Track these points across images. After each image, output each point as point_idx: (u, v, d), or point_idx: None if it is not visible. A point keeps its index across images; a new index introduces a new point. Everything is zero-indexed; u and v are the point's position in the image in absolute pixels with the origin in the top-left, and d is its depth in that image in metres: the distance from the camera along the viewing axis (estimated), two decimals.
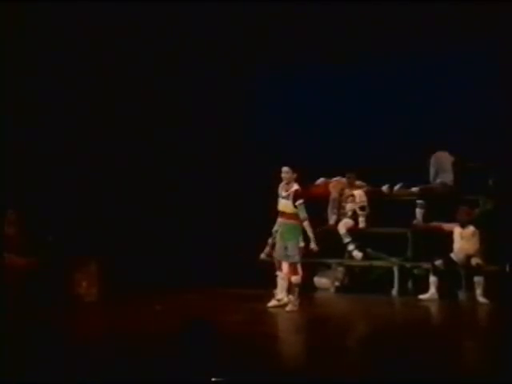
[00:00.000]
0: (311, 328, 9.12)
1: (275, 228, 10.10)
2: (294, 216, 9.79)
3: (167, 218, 12.79)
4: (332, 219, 12.75)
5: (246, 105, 13.34)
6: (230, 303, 10.49)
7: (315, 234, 10.00)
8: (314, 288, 12.57)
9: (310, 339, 8.29)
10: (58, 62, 12.14)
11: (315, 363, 6.58)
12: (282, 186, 9.94)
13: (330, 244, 12.42)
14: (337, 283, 12.46)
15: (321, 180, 13.05)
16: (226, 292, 11.43)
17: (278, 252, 9.93)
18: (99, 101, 12.59)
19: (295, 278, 9.80)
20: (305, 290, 11.86)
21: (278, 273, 9.96)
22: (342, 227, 12.42)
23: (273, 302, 9.91)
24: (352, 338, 8.51)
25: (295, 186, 9.81)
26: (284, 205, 9.86)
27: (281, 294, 9.90)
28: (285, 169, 9.85)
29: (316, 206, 12.54)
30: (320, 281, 12.67)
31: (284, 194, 9.87)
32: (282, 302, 9.89)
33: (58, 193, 11.76)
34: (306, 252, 12.27)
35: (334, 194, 12.81)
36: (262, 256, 10.44)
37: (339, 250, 12.52)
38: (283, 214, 9.88)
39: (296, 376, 5.96)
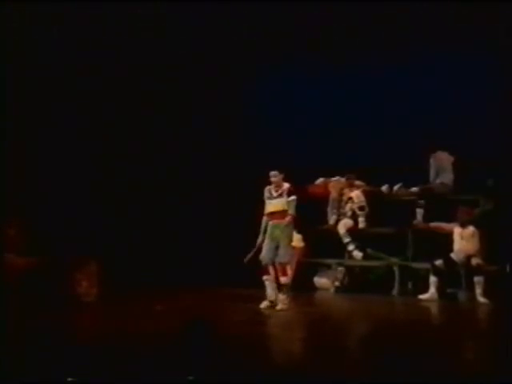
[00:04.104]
0: (311, 328, 9.11)
1: (260, 237, 10.04)
2: (287, 214, 9.83)
3: (167, 218, 12.80)
4: (332, 219, 12.77)
5: (245, 105, 13.35)
6: (230, 303, 10.49)
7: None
8: (314, 288, 12.59)
9: (309, 339, 8.28)
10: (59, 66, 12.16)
11: (315, 363, 6.57)
12: (268, 189, 10.03)
13: (330, 244, 12.45)
14: (337, 283, 12.47)
15: (320, 180, 13.06)
16: (226, 292, 11.43)
17: (266, 255, 9.87)
18: (98, 101, 12.59)
19: (284, 279, 9.83)
20: (305, 290, 11.94)
21: (264, 277, 9.88)
22: (342, 227, 12.43)
23: (265, 303, 9.89)
24: (352, 337, 8.50)
25: (286, 185, 9.95)
26: (275, 204, 9.92)
27: (273, 295, 9.87)
28: (273, 173, 9.98)
29: (316, 206, 12.57)
30: (320, 281, 12.69)
31: (275, 194, 9.96)
32: (274, 303, 9.87)
33: (58, 193, 11.76)
34: (305, 252, 12.44)
35: (333, 194, 12.83)
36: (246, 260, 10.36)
37: (339, 249, 12.53)
38: (274, 214, 9.91)
39: (296, 376, 5.95)
